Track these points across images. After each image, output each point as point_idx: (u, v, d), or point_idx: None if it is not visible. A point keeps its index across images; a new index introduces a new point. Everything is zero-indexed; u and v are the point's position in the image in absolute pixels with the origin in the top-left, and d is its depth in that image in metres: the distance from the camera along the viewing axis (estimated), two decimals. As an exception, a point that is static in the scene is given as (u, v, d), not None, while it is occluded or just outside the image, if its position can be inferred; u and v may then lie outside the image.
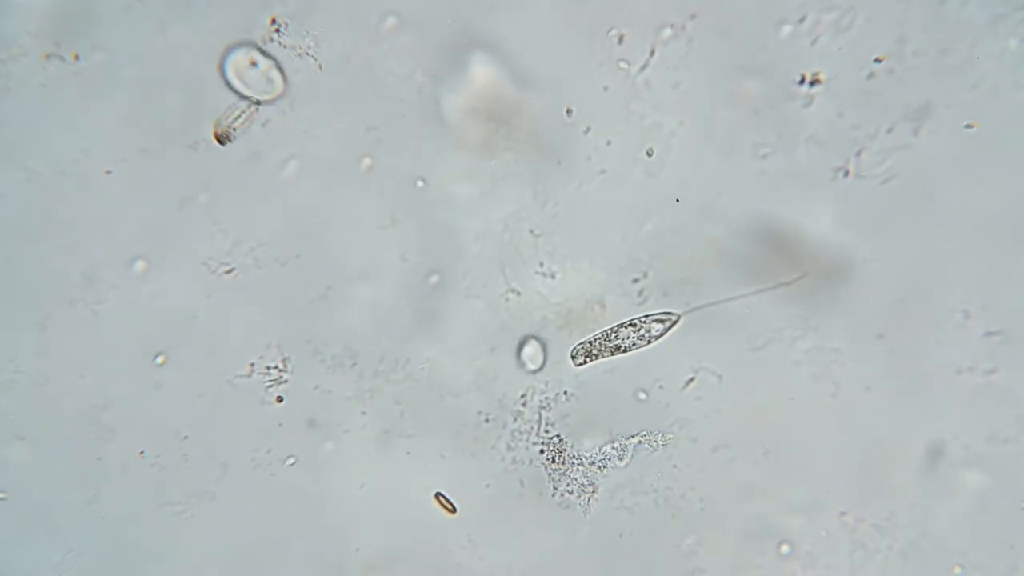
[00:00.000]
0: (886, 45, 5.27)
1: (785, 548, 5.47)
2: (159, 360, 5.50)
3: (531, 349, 5.39)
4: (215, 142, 4.55)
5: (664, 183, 5.47)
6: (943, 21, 5.26)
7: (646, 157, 5.33)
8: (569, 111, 4.93)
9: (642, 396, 5.44)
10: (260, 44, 4.61)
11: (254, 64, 4.85)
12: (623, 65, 5.16)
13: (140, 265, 5.50)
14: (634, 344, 5.11)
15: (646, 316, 5.13)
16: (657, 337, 5.10)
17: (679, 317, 5.04)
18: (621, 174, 5.47)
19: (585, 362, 5.07)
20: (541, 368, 5.43)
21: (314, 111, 5.43)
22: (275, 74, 5.09)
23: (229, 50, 4.99)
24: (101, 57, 5.40)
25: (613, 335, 5.21)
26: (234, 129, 4.35)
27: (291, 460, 5.56)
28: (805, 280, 4.81)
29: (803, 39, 5.30)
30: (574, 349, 5.20)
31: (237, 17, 5.38)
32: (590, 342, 5.23)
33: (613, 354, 5.18)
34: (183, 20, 5.40)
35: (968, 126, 5.24)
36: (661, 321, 5.02)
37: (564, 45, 5.41)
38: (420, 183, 5.36)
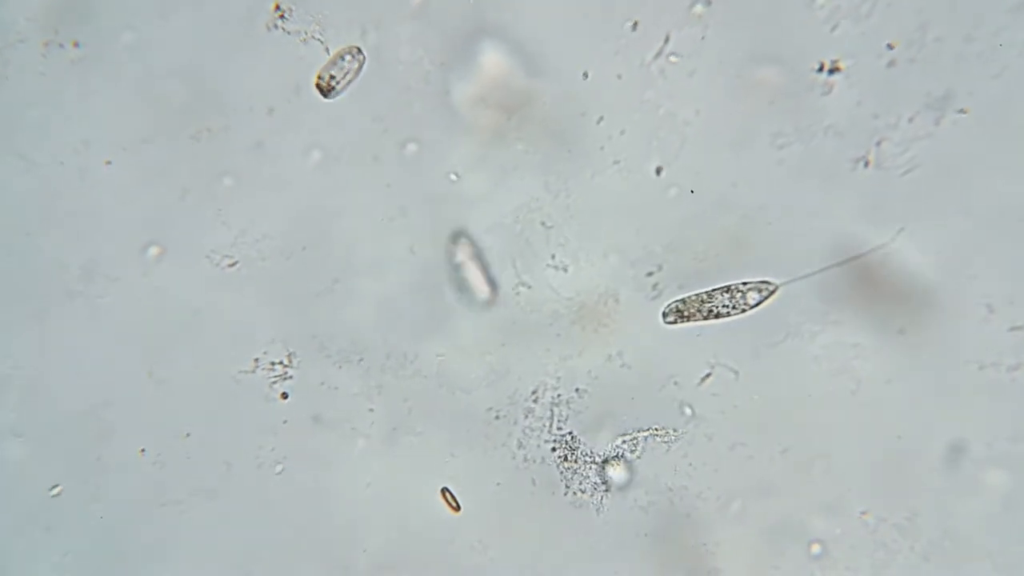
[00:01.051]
0: (907, 32, 5.20)
1: (816, 548, 5.38)
2: (148, 374, 5.46)
3: (617, 471, 5.41)
4: (318, 93, 4.49)
5: (679, 174, 5.37)
6: (965, 8, 5.18)
7: (656, 174, 5.29)
8: (585, 74, 4.82)
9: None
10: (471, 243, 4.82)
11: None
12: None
13: (141, 258, 5.45)
14: (728, 311, 5.00)
15: (745, 283, 5.02)
16: (753, 306, 4.99)
17: (776, 288, 4.93)
18: (635, 165, 5.40)
19: (675, 322, 4.95)
20: (629, 482, 5.44)
21: (319, 99, 5.34)
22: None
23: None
24: (101, 45, 5.38)
25: (708, 299, 5.11)
26: (337, 81, 4.28)
27: (279, 468, 5.48)
28: (889, 245, 4.69)
29: (822, 26, 5.21)
30: (667, 307, 5.10)
31: (240, 4, 5.32)
32: (683, 302, 5.11)
33: (705, 318, 5.07)
34: (185, 7, 5.38)
35: (960, 111, 5.15)
36: (759, 290, 4.91)
37: (576, 31, 5.34)
38: (453, 176, 5.29)
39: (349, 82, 4.70)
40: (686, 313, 5.14)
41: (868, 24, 5.20)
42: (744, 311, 5.14)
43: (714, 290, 5.20)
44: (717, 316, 5.16)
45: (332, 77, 4.57)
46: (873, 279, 5.32)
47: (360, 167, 5.45)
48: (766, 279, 5.13)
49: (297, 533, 5.56)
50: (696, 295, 5.18)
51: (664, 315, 5.16)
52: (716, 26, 5.27)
